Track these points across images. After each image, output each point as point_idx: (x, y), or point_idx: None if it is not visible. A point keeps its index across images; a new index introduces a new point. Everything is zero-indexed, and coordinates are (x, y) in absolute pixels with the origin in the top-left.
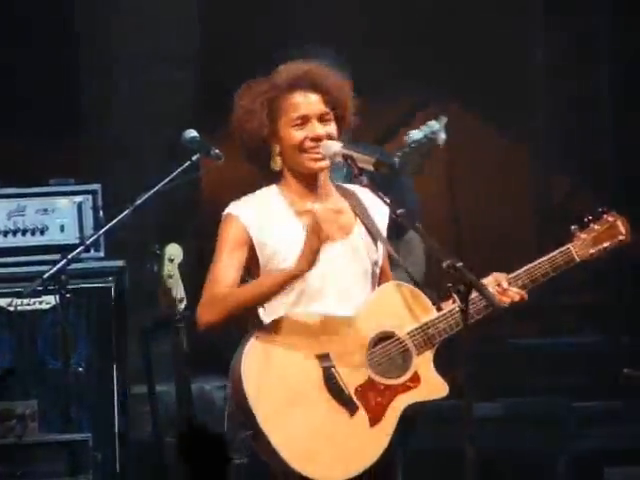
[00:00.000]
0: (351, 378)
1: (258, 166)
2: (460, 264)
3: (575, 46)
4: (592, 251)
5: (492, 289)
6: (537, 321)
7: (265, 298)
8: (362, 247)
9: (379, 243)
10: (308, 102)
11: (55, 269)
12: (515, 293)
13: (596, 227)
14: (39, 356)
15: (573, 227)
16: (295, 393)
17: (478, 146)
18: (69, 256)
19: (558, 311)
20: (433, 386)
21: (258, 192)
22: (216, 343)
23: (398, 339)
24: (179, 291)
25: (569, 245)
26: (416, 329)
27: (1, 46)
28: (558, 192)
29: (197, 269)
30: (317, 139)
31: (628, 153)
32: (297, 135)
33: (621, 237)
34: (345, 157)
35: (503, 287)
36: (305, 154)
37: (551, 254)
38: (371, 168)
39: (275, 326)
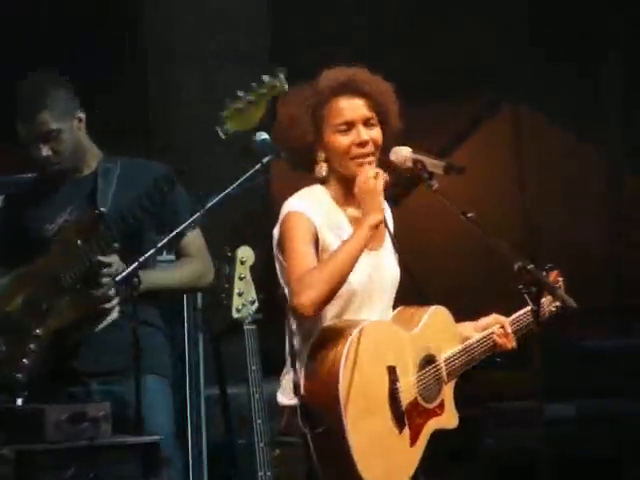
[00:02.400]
0: (405, 396)
1: (306, 172)
2: (531, 266)
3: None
4: (552, 309)
5: (494, 330)
6: (609, 322)
7: (355, 259)
8: (393, 258)
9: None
10: (352, 107)
11: (128, 271)
12: (513, 340)
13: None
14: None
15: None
16: (371, 400)
17: (549, 149)
18: (141, 258)
19: (627, 313)
20: (451, 416)
21: (311, 190)
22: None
23: (437, 365)
24: (250, 293)
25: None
26: (450, 357)
27: (68, 52)
28: (631, 191)
29: (268, 271)
30: (363, 144)
31: None
32: (343, 141)
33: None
34: (415, 162)
35: (507, 331)
36: (352, 160)
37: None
38: (441, 172)
39: (359, 332)
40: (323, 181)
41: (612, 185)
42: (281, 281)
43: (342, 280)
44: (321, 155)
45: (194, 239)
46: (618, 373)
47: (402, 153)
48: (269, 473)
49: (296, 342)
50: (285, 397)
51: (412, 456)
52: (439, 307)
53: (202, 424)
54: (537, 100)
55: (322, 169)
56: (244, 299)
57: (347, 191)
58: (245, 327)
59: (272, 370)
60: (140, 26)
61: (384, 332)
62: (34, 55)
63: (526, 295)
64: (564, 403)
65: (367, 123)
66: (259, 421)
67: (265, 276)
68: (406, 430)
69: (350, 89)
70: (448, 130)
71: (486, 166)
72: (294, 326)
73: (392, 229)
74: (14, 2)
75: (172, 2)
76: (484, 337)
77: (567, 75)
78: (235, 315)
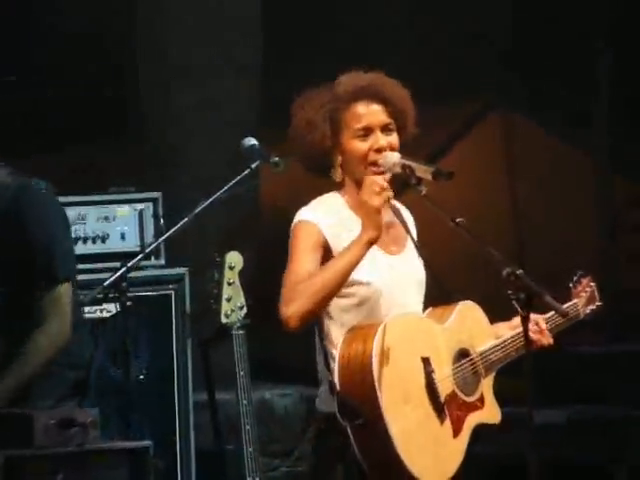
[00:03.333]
0: (443, 387)
1: (322, 176)
2: (520, 271)
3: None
4: (587, 311)
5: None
6: (602, 329)
7: (345, 274)
8: (416, 260)
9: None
10: (371, 113)
11: (115, 277)
12: (549, 336)
13: (586, 289)
14: (100, 364)
15: (570, 284)
16: (407, 391)
17: (539, 154)
18: (129, 264)
19: (621, 319)
20: (493, 410)
21: (324, 198)
22: (277, 351)
23: (472, 359)
24: (239, 299)
25: (575, 300)
26: (487, 351)
27: (62, 59)
28: (622, 198)
29: (257, 277)
30: (380, 150)
31: None
32: (361, 146)
33: (598, 303)
34: (404, 167)
35: (541, 327)
36: (369, 166)
37: (563, 306)
38: (430, 177)
39: (389, 324)
40: (338, 186)
41: (601, 189)
42: None
43: (329, 295)
44: (338, 160)
45: (59, 297)
46: (610, 379)
47: (391, 158)
48: (257, 479)
49: (328, 348)
50: (323, 404)
51: (457, 447)
52: (469, 302)
53: (190, 430)
54: (527, 104)
55: (338, 174)
56: (233, 304)
57: None
58: (233, 332)
59: (261, 376)
60: (133, 33)
61: (414, 323)
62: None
63: (514, 301)
64: (555, 409)
65: (385, 129)
66: (247, 427)
67: (254, 282)
68: (447, 421)
69: (369, 94)
70: (437, 135)
71: (476, 171)
72: (324, 333)
73: (415, 235)
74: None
75: (165, 9)
76: (517, 334)
77: (556, 79)
78: (224, 320)
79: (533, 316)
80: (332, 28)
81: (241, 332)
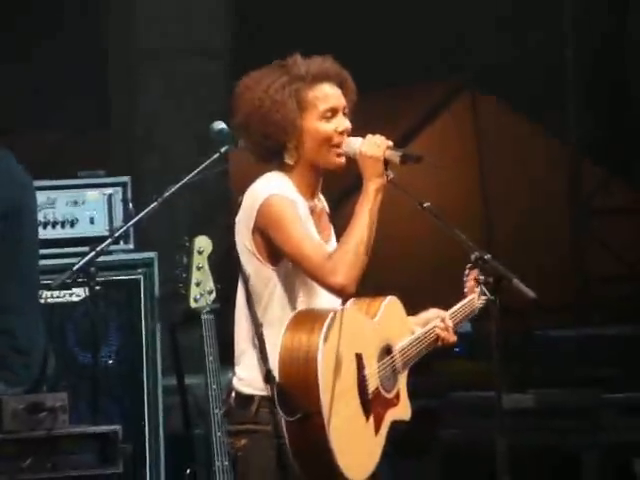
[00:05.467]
0: (370, 384)
1: (267, 160)
2: (488, 256)
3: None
4: (479, 304)
5: (436, 324)
6: (570, 313)
7: (373, 225)
8: None
9: None
10: (336, 95)
11: (84, 261)
12: (453, 334)
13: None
14: (69, 348)
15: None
16: (341, 387)
17: (509, 139)
18: (98, 248)
19: (589, 303)
20: (405, 407)
21: (274, 177)
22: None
23: (393, 355)
24: (208, 283)
25: (472, 296)
26: (404, 348)
27: (30, 44)
28: (591, 182)
29: (226, 261)
30: (344, 132)
31: None
32: (326, 127)
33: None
34: None
35: (447, 324)
36: (331, 149)
37: (464, 301)
38: (397, 162)
39: (332, 318)
40: (286, 169)
41: (571, 174)
42: (248, 267)
43: (368, 251)
44: (294, 142)
45: None
46: (579, 363)
47: (356, 144)
48: (226, 463)
49: (263, 330)
50: (251, 387)
51: (378, 445)
52: (393, 297)
53: (159, 414)
54: (498, 88)
55: (292, 156)
56: (202, 289)
57: (311, 181)
58: (203, 317)
59: (229, 360)
60: (101, 19)
61: (354, 319)
62: None
63: (483, 286)
64: (524, 393)
65: (344, 112)
66: (216, 411)
67: (223, 266)
68: (371, 418)
69: (332, 76)
70: (407, 118)
71: (445, 154)
72: (259, 313)
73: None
74: None
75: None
76: (429, 330)
77: (525, 63)
78: (193, 305)
79: (439, 312)
80: (301, 12)
81: (210, 316)
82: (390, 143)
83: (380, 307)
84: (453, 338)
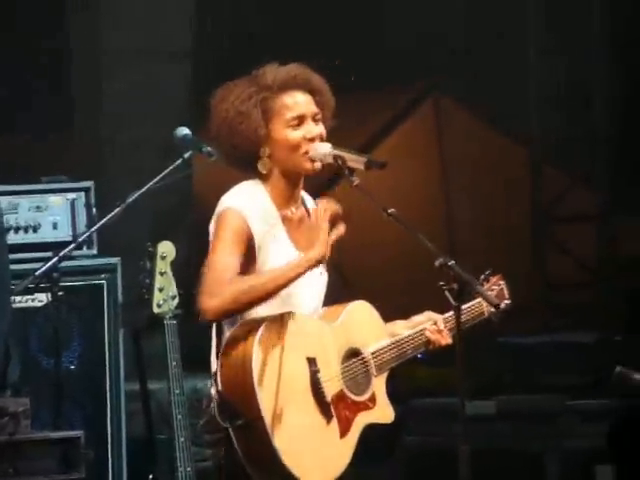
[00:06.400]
0: (329, 387)
1: (245, 170)
2: (452, 262)
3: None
4: (492, 310)
5: (427, 327)
6: (532, 320)
7: (279, 288)
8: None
9: None
10: (303, 102)
11: (47, 266)
12: (448, 336)
13: (492, 287)
14: (32, 354)
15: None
16: (291, 391)
17: (473, 145)
18: (61, 253)
19: (551, 310)
20: (385, 410)
21: (247, 187)
22: (209, 340)
23: (363, 358)
24: (171, 288)
25: (478, 300)
26: (378, 351)
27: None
28: (553, 189)
29: (190, 267)
30: (314, 139)
31: (626, 150)
32: (294, 135)
33: (507, 302)
34: (335, 157)
35: (439, 328)
36: (301, 156)
37: (469, 304)
38: (362, 167)
39: (273, 322)
40: (262, 177)
41: (535, 180)
42: None
43: (256, 302)
44: (265, 150)
45: None
46: (540, 369)
47: (322, 149)
48: (189, 468)
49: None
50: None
51: (343, 448)
52: (360, 301)
53: (122, 419)
54: (461, 93)
55: (265, 165)
56: (165, 294)
57: (287, 189)
58: (166, 322)
59: (192, 365)
60: (65, 21)
61: (303, 322)
62: None
63: (447, 292)
64: (486, 399)
65: (314, 119)
66: (179, 416)
67: (187, 271)
68: (334, 422)
69: (299, 84)
70: (372, 124)
71: (409, 161)
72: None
73: None
74: None
75: (95, 1)
76: (415, 333)
77: (491, 68)
78: (156, 310)
79: (432, 315)
80: (266, 15)
81: (173, 322)
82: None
83: (342, 312)
84: (445, 341)
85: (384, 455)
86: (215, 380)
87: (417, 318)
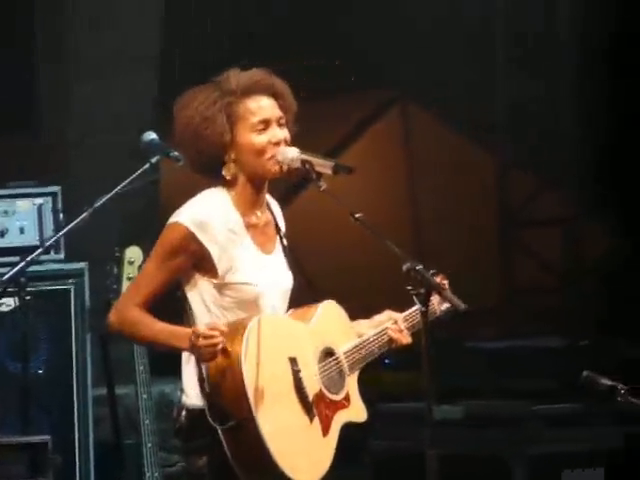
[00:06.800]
0: (310, 386)
1: (210, 176)
2: (420, 267)
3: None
4: (442, 308)
5: (389, 326)
6: (499, 324)
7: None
8: (284, 265)
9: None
10: (267, 106)
11: (14, 271)
12: (408, 335)
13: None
14: None
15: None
16: (276, 391)
17: (440, 149)
18: (28, 258)
19: (518, 314)
20: (358, 408)
21: (209, 196)
22: None
23: (337, 357)
24: None
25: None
26: (350, 350)
27: None
28: (520, 193)
29: None
30: (279, 143)
31: (591, 153)
32: (259, 140)
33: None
34: (303, 162)
35: (400, 327)
36: (267, 161)
37: (408, 310)
38: (330, 172)
39: (256, 324)
40: (225, 183)
41: (502, 184)
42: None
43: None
44: (230, 156)
45: None
46: (507, 374)
47: (290, 153)
48: (157, 474)
49: None
50: (202, 401)
51: (327, 446)
52: (330, 301)
53: (89, 424)
54: (428, 99)
55: (230, 170)
56: None
57: (252, 194)
58: None
59: (160, 370)
60: (32, 27)
61: (281, 324)
62: None
63: (414, 296)
64: (453, 404)
65: (279, 123)
66: (147, 422)
67: None
68: (316, 420)
69: (264, 88)
70: (338, 129)
71: (376, 166)
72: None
73: (284, 229)
74: None
75: (65, 4)
76: (379, 332)
77: (458, 74)
78: None
79: (392, 315)
80: (234, 22)
81: None
82: (304, 156)
83: (315, 312)
84: (406, 340)
85: (351, 459)
86: (201, 385)
87: (378, 317)
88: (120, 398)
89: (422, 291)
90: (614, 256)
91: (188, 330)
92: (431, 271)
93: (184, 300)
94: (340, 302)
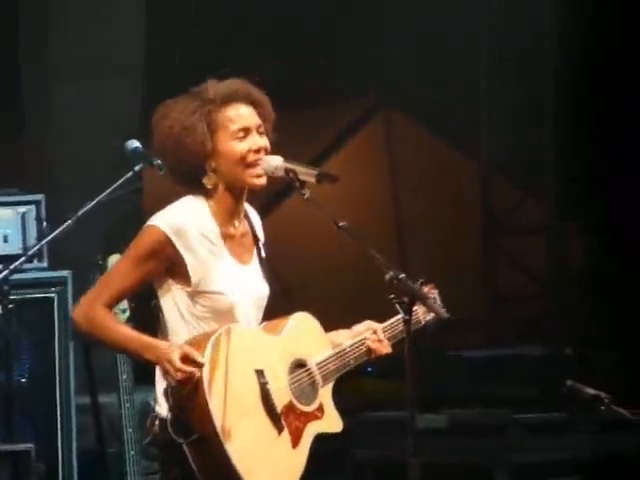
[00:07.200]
0: (279, 398)
1: (191, 185)
2: (403, 275)
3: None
4: (427, 318)
5: (367, 336)
6: (481, 333)
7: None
8: (261, 273)
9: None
10: (247, 114)
11: None
12: (388, 345)
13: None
14: None
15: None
16: (242, 404)
17: (423, 158)
18: (12, 266)
19: (501, 323)
20: (333, 419)
21: (187, 203)
22: None
23: (309, 369)
24: (122, 302)
25: (415, 307)
26: (323, 361)
27: None
28: (503, 203)
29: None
30: (259, 150)
31: (573, 163)
32: (239, 147)
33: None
34: (287, 171)
35: (379, 337)
36: (247, 169)
37: (391, 320)
38: (313, 181)
39: (219, 337)
40: (206, 192)
41: (485, 193)
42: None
43: (102, 344)
44: (211, 165)
45: None
46: (490, 383)
47: (273, 162)
48: None
49: None
50: (167, 409)
51: (297, 459)
52: (302, 313)
53: (72, 432)
54: (411, 107)
55: (211, 179)
56: (115, 307)
57: (231, 204)
58: None
59: (143, 379)
60: (15, 37)
61: (248, 336)
62: None
63: (398, 305)
64: (436, 413)
65: (259, 131)
66: (130, 430)
67: None
68: (285, 432)
69: (243, 97)
70: (321, 138)
71: (359, 175)
72: (174, 336)
73: (262, 239)
74: None
75: (48, 9)
76: (356, 343)
77: (441, 82)
78: None
79: (372, 325)
80: (217, 31)
81: None
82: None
83: (286, 324)
84: (386, 350)
85: (333, 467)
86: (166, 397)
87: (357, 327)
88: (103, 406)
89: (405, 300)
90: (597, 265)
91: (158, 343)
92: (419, 280)
93: (158, 309)
94: (315, 311)
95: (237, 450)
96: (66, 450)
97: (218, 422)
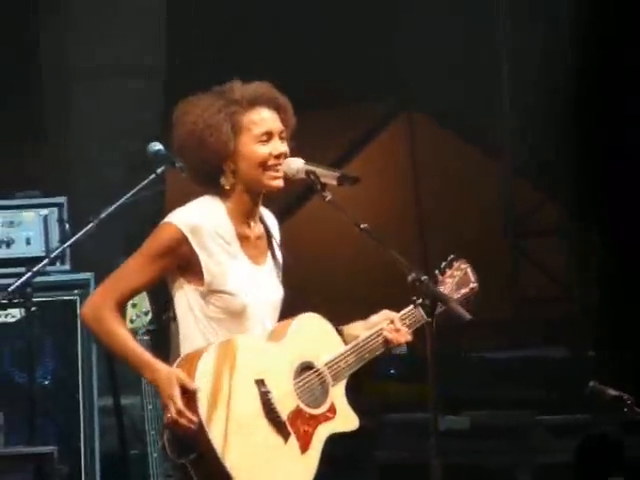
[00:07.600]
0: (283, 405)
1: (209, 186)
2: (425, 277)
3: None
4: (457, 296)
5: (384, 327)
6: (504, 335)
7: (117, 354)
8: (275, 275)
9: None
10: (271, 119)
11: (20, 282)
12: (407, 333)
13: (455, 273)
14: (5, 369)
15: (436, 272)
16: (240, 416)
17: (445, 160)
18: (34, 269)
19: (523, 325)
20: (347, 417)
21: (204, 203)
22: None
23: (317, 370)
24: (144, 304)
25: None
26: (332, 360)
27: None
28: (526, 204)
29: (163, 282)
30: (280, 156)
31: (592, 167)
32: (262, 151)
33: (472, 285)
34: (308, 173)
35: (397, 327)
36: (267, 172)
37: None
38: (335, 183)
39: (216, 349)
40: (223, 193)
41: (508, 197)
42: (171, 291)
43: (105, 346)
44: (230, 166)
45: None
46: (512, 385)
47: (295, 164)
48: None
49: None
50: None
51: (306, 463)
52: (307, 314)
53: (95, 434)
54: (435, 109)
55: (229, 180)
56: (138, 310)
57: (248, 205)
58: (138, 338)
59: None
60: (36, 39)
61: (247, 347)
62: None
63: (420, 307)
64: (459, 415)
65: (281, 136)
66: (152, 432)
67: (159, 287)
68: (292, 438)
69: (269, 101)
70: (344, 139)
71: (381, 177)
72: (186, 341)
73: (278, 241)
74: None
75: (68, 11)
76: (372, 334)
77: (463, 84)
78: (129, 326)
79: (389, 314)
80: (237, 33)
81: (146, 337)
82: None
83: (289, 328)
84: (405, 338)
85: (357, 469)
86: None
87: (374, 318)
88: (126, 408)
89: (427, 302)
90: (619, 266)
91: (157, 366)
92: (451, 255)
93: (171, 319)
94: (345, 309)
95: (236, 464)
96: (89, 452)
97: (215, 441)
